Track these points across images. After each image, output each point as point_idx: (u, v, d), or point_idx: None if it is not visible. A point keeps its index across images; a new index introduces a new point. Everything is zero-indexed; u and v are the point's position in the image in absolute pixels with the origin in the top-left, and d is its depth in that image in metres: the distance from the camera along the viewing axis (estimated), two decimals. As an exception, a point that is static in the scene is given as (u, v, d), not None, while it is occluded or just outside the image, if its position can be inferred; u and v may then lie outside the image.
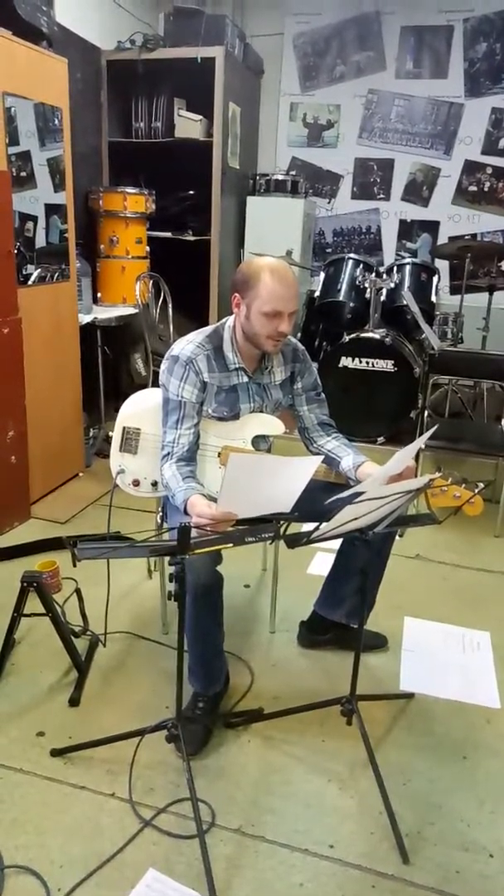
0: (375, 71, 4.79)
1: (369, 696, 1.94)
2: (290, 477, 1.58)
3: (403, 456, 1.66)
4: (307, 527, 1.58)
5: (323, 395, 2.09)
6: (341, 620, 2.15)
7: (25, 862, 1.49)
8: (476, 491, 1.72)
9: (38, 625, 2.15)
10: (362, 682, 1.80)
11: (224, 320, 1.97)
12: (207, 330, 1.96)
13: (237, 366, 1.93)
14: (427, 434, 1.74)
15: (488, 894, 1.47)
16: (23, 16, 2.88)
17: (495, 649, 2.29)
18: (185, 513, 1.74)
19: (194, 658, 1.83)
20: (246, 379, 1.96)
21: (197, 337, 1.94)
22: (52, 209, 3.15)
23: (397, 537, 1.98)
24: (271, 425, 2.01)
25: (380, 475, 1.68)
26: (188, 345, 1.92)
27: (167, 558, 1.51)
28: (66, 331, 3.36)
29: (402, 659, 2.22)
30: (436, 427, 1.88)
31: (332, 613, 2.16)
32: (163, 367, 1.94)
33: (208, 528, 1.54)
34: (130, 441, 2.10)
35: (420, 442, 1.71)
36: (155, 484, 2.08)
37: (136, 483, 2.10)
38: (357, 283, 4.14)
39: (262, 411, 2.01)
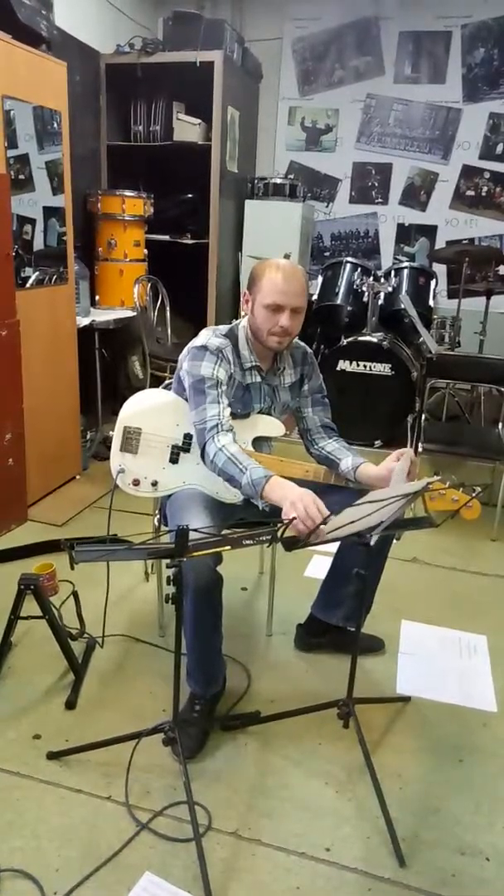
0: (374, 76, 4.80)
1: (366, 699, 1.94)
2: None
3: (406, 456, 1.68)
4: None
5: (327, 399, 2.11)
6: (338, 623, 2.15)
7: (21, 865, 1.48)
8: (474, 495, 1.72)
9: (34, 627, 2.15)
10: (359, 686, 1.80)
11: (238, 321, 1.99)
12: (223, 328, 1.97)
13: (252, 364, 1.95)
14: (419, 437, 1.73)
15: (485, 898, 1.47)
16: (22, 19, 2.88)
17: (492, 653, 2.29)
18: (258, 495, 1.71)
19: (193, 659, 1.83)
20: (259, 379, 1.98)
21: (218, 331, 1.95)
22: (50, 212, 3.15)
23: (395, 540, 1.98)
24: (272, 427, 2.02)
25: (396, 477, 1.70)
26: (214, 337, 1.91)
27: (164, 561, 1.51)
28: (64, 333, 3.37)
29: (398, 662, 2.22)
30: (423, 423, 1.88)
31: (329, 616, 2.16)
32: (187, 358, 1.92)
33: (305, 525, 1.56)
34: (131, 441, 2.10)
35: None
36: (155, 484, 2.08)
37: (136, 483, 2.09)
38: (355, 286, 4.15)
39: (270, 413, 2.02)
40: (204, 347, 1.90)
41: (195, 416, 1.87)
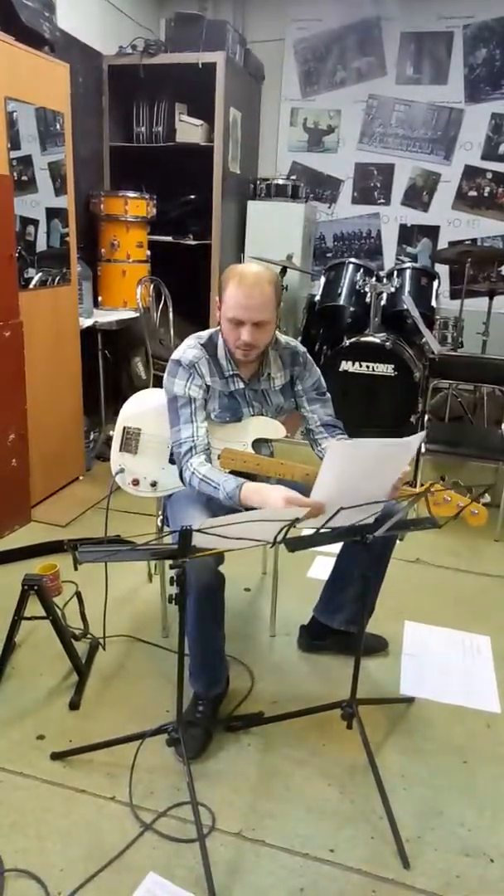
0: (376, 76, 4.80)
1: (370, 700, 1.94)
2: (391, 460, 1.59)
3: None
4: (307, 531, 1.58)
5: (327, 395, 2.08)
6: (340, 627, 2.14)
7: (25, 866, 1.48)
8: (476, 497, 1.72)
9: (38, 628, 2.15)
10: (363, 687, 1.80)
11: (218, 328, 1.96)
12: (203, 336, 1.96)
13: (231, 373, 1.93)
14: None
15: (489, 899, 1.47)
16: (25, 21, 2.89)
17: (496, 654, 2.29)
18: (237, 504, 1.71)
19: (195, 659, 1.83)
20: (242, 385, 1.96)
21: (195, 342, 1.95)
22: (53, 213, 3.16)
23: (398, 541, 1.98)
24: (272, 429, 2.01)
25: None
26: (189, 350, 1.92)
27: (168, 561, 1.51)
28: (67, 334, 3.37)
29: (402, 663, 2.22)
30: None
31: (331, 620, 2.16)
32: (166, 373, 1.94)
33: (301, 518, 1.53)
34: (131, 441, 2.10)
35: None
36: (154, 484, 2.08)
37: (136, 482, 2.10)
38: (357, 287, 4.14)
39: (262, 415, 2.01)
40: (178, 362, 1.90)
41: (172, 436, 1.91)
